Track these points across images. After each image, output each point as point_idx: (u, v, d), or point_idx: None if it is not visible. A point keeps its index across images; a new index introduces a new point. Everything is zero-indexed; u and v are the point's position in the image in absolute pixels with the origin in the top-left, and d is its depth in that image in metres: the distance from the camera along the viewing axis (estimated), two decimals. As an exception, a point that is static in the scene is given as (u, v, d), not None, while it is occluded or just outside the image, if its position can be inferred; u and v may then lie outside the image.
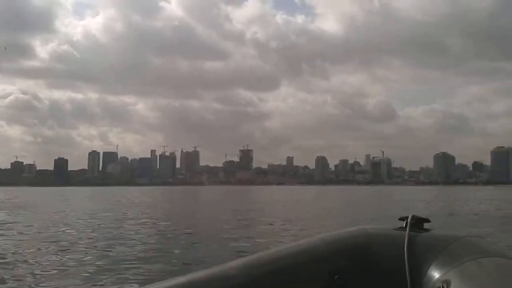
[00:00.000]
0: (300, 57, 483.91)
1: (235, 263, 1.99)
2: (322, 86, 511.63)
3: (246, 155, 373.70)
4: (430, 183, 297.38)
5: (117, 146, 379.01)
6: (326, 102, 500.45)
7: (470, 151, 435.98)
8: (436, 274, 1.82)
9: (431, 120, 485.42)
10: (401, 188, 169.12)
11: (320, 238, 2.15)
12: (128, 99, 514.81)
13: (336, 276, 1.95)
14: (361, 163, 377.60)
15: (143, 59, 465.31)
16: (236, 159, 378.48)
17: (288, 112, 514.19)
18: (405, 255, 1.90)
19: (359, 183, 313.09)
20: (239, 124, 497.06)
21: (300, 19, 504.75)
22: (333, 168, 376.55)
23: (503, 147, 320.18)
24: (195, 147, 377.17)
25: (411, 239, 1.97)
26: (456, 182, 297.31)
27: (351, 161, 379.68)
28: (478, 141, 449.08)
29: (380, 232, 2.17)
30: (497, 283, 1.60)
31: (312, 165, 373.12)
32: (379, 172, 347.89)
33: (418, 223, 2.08)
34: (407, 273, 1.86)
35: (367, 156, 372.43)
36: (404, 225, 2.08)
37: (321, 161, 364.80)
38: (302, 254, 2.05)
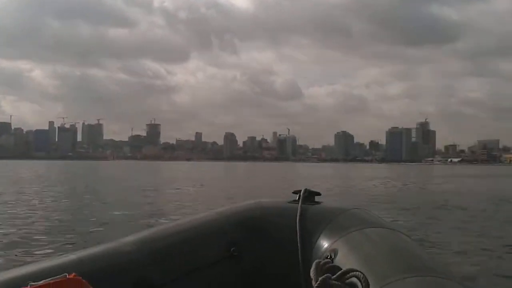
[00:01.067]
0: (210, 31, 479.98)
1: (129, 239, 1.94)
2: (231, 61, 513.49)
3: (154, 129, 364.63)
4: (331, 160, 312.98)
5: (10, 116, 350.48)
6: (235, 78, 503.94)
7: (368, 130, 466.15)
8: (325, 244, 1.94)
9: (333, 100, 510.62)
10: (304, 164, 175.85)
11: (217, 212, 2.22)
12: (23, 64, 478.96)
13: (233, 248, 2.02)
14: (268, 140, 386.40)
15: (40, 22, 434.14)
16: (143, 133, 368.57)
17: (197, 87, 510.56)
18: (297, 226, 2.01)
19: (265, 159, 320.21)
20: (146, 97, 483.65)
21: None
22: (241, 145, 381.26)
23: (397, 127, 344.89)
24: (98, 120, 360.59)
25: (303, 211, 2.09)
26: (354, 159, 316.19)
27: (258, 138, 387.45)
28: (375, 121, 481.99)
29: (274, 205, 2.31)
30: (379, 250, 1.73)
31: (220, 141, 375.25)
32: (285, 149, 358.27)
33: (310, 196, 2.22)
34: (298, 243, 1.97)
35: (274, 133, 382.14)
36: (297, 198, 2.22)
37: (230, 137, 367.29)
38: (199, 227, 2.09)
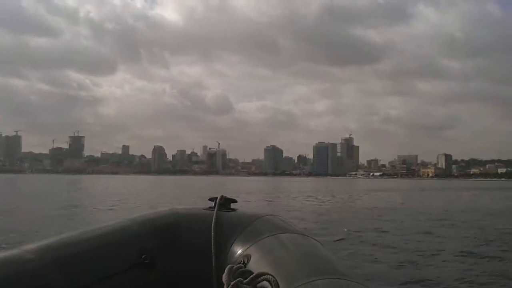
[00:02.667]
0: (138, 43, 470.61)
1: (31, 246, 1.85)
2: (161, 74, 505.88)
3: (77, 142, 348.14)
4: (261, 173, 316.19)
5: None
6: (165, 91, 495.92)
7: (296, 145, 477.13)
8: (239, 249, 1.97)
9: (263, 115, 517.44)
10: (234, 178, 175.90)
11: (129, 219, 2.17)
12: None
13: (144, 255, 1.98)
14: (198, 154, 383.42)
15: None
16: (65, 146, 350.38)
17: (124, 99, 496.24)
18: (212, 232, 2.02)
19: (195, 173, 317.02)
20: (70, 109, 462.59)
21: (139, 3, 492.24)
22: (170, 158, 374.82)
23: (323, 142, 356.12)
24: (16, 131, 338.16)
25: (218, 218, 2.10)
26: (283, 173, 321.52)
27: (188, 151, 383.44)
28: (303, 136, 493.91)
29: (189, 212, 2.29)
30: (290, 254, 1.77)
31: (149, 154, 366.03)
32: (215, 163, 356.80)
33: (226, 203, 2.24)
34: (212, 249, 1.98)
35: (204, 147, 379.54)
36: (213, 205, 2.23)
37: (158, 151, 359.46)
38: (109, 234, 2.03)
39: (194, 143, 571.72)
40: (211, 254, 1.98)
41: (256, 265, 1.73)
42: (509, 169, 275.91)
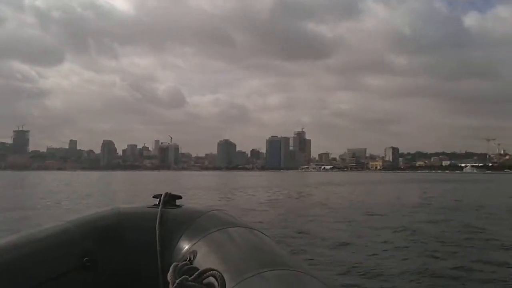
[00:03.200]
0: (87, 33, 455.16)
1: None
2: (110, 66, 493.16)
3: (21, 136, 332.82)
4: (214, 168, 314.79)
5: None
6: (115, 83, 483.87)
7: (249, 139, 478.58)
8: (185, 246, 1.96)
9: (216, 109, 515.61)
10: (187, 173, 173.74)
11: (70, 221, 2.10)
12: None
13: (85, 258, 1.92)
14: (150, 148, 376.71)
15: None
16: (9, 140, 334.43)
17: (72, 91, 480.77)
18: (157, 230, 2.00)
19: (146, 168, 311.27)
20: (14, 101, 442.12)
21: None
22: (120, 153, 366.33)
23: (276, 136, 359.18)
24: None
25: (164, 215, 2.08)
26: (236, 167, 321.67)
27: (139, 146, 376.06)
28: (256, 130, 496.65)
29: (133, 211, 2.25)
30: (237, 248, 1.79)
31: (97, 149, 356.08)
32: (167, 158, 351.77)
33: (171, 199, 2.22)
34: (158, 248, 1.97)
35: (156, 141, 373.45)
36: (158, 202, 2.19)
37: (108, 145, 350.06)
38: (47, 238, 1.95)
39: (146, 137, 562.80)
40: (156, 253, 1.96)
41: (202, 261, 1.72)
42: (452, 161, 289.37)
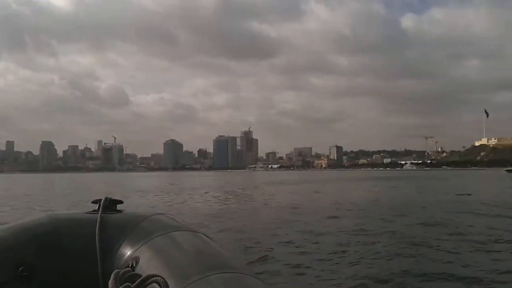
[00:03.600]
0: (23, 29, 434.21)
1: None
2: (48, 64, 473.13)
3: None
4: (160, 169, 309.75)
5: None
6: (53, 82, 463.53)
7: (196, 139, 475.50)
8: (127, 252, 1.89)
9: (162, 108, 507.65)
10: (132, 174, 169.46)
11: (3, 229, 2.00)
12: None
13: (21, 268, 1.83)
14: (93, 149, 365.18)
15: None
16: None
17: (8, 90, 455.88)
18: (97, 237, 1.92)
19: (89, 170, 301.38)
20: None
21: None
22: (61, 154, 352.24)
23: (223, 136, 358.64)
24: None
25: (104, 221, 2.00)
26: (183, 167, 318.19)
27: (81, 147, 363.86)
28: (203, 129, 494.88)
29: (71, 217, 2.15)
30: (182, 252, 1.76)
31: (36, 150, 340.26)
32: (111, 159, 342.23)
33: (111, 204, 2.13)
34: (98, 255, 1.89)
35: (99, 142, 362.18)
36: (97, 207, 2.10)
37: (47, 147, 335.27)
38: None
39: (88, 138, 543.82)
40: (96, 260, 1.89)
41: (145, 267, 1.69)
42: (393, 159, 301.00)
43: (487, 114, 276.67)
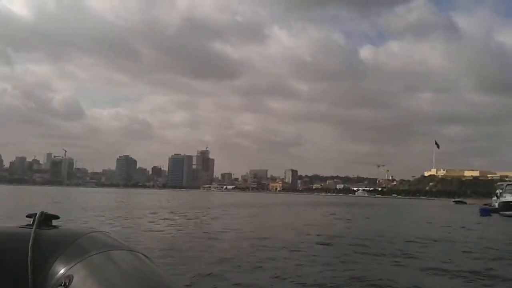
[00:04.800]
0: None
1: None
2: (3, 72, 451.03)
3: None
4: (112, 185, 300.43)
5: None
6: (6, 91, 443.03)
7: (151, 156, 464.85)
8: (60, 270, 1.80)
9: (117, 123, 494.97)
10: (80, 189, 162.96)
11: None
12: None
13: None
14: (41, 162, 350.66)
15: None
16: None
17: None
18: (29, 253, 1.82)
19: (36, 183, 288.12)
20: None
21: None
22: (7, 166, 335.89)
23: (179, 154, 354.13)
24: None
25: (38, 236, 1.90)
26: (136, 185, 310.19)
27: (29, 158, 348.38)
28: (159, 147, 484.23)
29: (3, 230, 2.02)
30: (119, 272, 1.69)
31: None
32: (59, 172, 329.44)
33: (46, 219, 2.03)
34: (29, 272, 1.79)
35: (49, 154, 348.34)
36: (32, 222, 2.00)
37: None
38: None
39: (37, 149, 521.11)
40: (27, 277, 1.78)
41: (79, 286, 1.63)
42: (346, 185, 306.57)
43: (438, 146, 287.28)
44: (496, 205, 48.32)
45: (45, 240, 1.90)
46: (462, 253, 14.09)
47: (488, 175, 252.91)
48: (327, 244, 14.98)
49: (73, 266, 1.77)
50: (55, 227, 2.04)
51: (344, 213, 41.94)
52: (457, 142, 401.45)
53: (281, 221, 27.70)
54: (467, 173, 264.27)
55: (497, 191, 54.45)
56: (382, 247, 14.73)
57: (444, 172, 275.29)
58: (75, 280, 1.67)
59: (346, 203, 78.44)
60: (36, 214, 2.01)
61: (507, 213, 39.51)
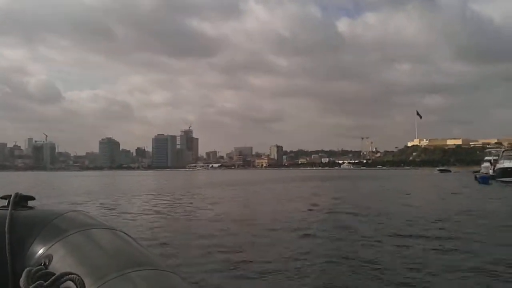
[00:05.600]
0: None
1: None
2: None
3: None
4: (96, 168, 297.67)
5: None
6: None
7: (134, 137, 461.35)
8: (39, 250, 1.79)
9: (96, 105, 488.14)
10: (64, 174, 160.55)
11: None
12: None
13: None
14: (22, 147, 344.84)
15: None
16: None
17: None
18: (6, 234, 1.81)
19: (18, 168, 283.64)
20: None
21: None
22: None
23: (162, 134, 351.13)
24: None
25: (14, 218, 1.88)
26: (120, 167, 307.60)
27: (10, 144, 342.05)
28: (141, 128, 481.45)
29: None
30: (98, 250, 1.68)
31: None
32: (42, 157, 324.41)
33: (22, 201, 2.01)
34: (8, 253, 1.78)
35: (30, 139, 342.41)
36: (6, 203, 1.98)
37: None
38: None
39: (17, 135, 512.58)
40: (6, 259, 1.77)
41: (60, 265, 1.60)
42: (331, 158, 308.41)
43: (420, 116, 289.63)
44: (491, 172, 48.42)
45: (22, 221, 1.88)
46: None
47: (471, 143, 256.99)
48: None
49: (52, 245, 1.76)
50: (31, 208, 2.02)
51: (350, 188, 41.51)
52: (438, 111, 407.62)
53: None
54: (450, 142, 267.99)
55: (491, 158, 54.66)
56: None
57: (427, 141, 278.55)
58: (54, 259, 1.66)
59: (341, 176, 78.48)
60: (10, 195, 1.99)
61: (509, 179, 39.14)
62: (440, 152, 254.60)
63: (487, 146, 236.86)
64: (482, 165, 58.78)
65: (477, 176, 46.69)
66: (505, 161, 43.60)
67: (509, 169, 41.10)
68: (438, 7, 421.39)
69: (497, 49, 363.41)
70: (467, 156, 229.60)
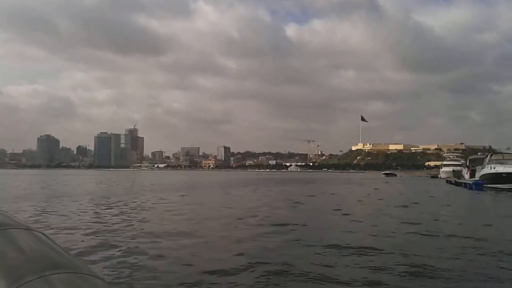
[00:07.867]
0: None
1: None
2: None
3: None
4: (33, 166, 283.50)
5: None
6: None
7: (76, 135, 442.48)
8: None
9: (35, 101, 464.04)
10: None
11: None
12: None
13: None
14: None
15: None
16: None
17: None
18: None
19: None
20: None
21: None
22: None
23: (106, 133, 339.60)
24: None
25: None
26: (59, 165, 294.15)
27: None
28: (83, 126, 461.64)
29: None
30: (15, 251, 1.62)
31: None
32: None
33: None
34: None
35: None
36: None
37: None
38: None
39: None
40: None
41: None
42: (278, 160, 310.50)
43: (365, 120, 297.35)
44: (467, 176, 47.39)
45: None
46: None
47: (412, 148, 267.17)
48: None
49: None
50: None
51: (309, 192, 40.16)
52: (381, 117, 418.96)
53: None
54: (392, 147, 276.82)
55: (450, 163, 53.86)
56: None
57: (370, 146, 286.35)
58: None
59: (292, 179, 77.57)
60: None
61: (504, 186, 36.18)
62: (383, 157, 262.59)
63: (427, 151, 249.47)
64: (442, 170, 58.04)
65: (473, 182, 41.18)
66: (497, 165, 39.81)
67: (504, 175, 37.38)
68: (383, 17, 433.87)
69: (436, 59, 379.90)
70: (408, 160, 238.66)
